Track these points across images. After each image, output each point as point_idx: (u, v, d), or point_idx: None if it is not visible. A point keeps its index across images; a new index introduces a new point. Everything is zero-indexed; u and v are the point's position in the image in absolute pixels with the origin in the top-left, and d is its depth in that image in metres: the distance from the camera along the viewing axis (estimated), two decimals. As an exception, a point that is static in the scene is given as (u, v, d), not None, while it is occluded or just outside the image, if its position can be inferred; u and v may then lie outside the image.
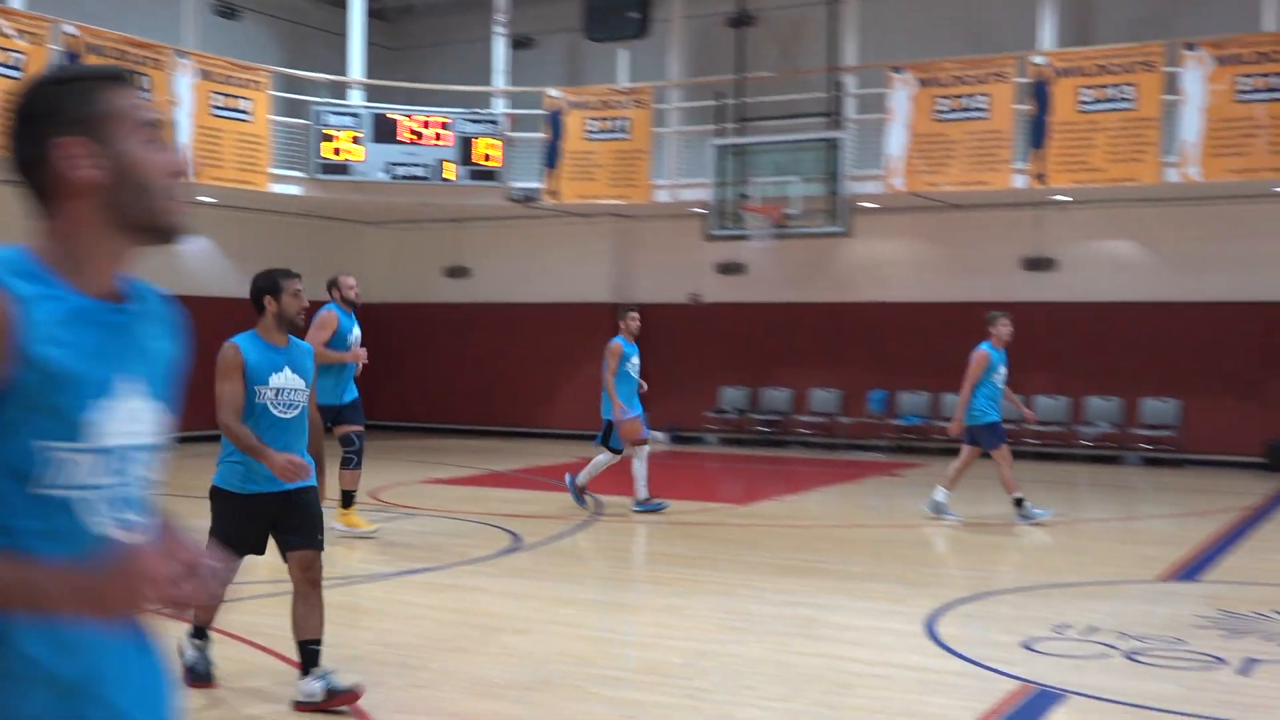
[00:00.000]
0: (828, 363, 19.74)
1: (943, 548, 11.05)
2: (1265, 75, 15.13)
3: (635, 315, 12.06)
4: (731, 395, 20.45)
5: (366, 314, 11.45)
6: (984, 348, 11.64)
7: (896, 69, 17.12)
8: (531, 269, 21.43)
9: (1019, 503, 11.74)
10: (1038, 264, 18.63)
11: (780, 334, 20.04)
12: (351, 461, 10.23)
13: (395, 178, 18.37)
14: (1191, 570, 9.62)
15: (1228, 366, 17.45)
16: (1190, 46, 15.53)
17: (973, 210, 18.66)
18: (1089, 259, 18.43)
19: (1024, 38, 17.56)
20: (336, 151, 18.13)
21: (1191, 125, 15.49)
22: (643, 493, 12.03)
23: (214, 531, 5.77)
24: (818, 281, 19.79)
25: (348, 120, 18.27)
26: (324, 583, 5.91)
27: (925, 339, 18.73)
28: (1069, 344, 18.36)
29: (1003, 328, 11.66)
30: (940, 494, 11.95)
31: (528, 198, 18.93)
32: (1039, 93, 16.28)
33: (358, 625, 7.56)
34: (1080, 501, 14.87)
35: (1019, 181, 16.46)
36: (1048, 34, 17.25)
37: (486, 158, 18.73)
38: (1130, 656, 6.87)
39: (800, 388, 19.93)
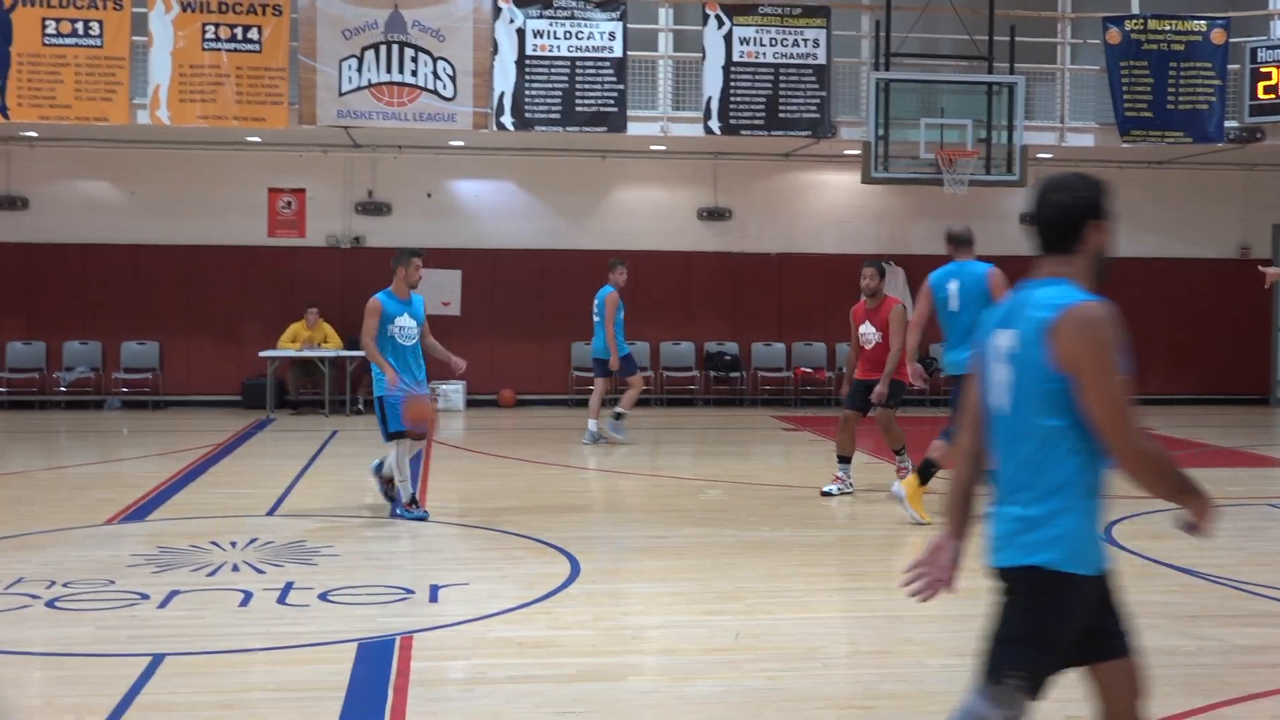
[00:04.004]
0: None
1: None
2: (230, 25, 15.59)
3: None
4: None
5: None
6: (611, 290, 13.61)
7: None
8: None
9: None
10: (7, 203, 17.58)
11: None
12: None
13: None
14: (141, 510, 9.64)
15: (205, 309, 17.91)
16: (157, -12, 15.51)
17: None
18: (64, 198, 17.79)
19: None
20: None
21: (161, 68, 15.52)
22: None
23: None
24: None
25: None
26: None
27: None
28: (45, 286, 17.63)
29: (620, 275, 13.73)
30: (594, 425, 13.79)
31: None
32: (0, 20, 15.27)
33: None
34: (59, 450, 14.38)
35: (-20, 113, 15.35)
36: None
37: None
38: (51, 604, 6.67)
39: None
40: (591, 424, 13.92)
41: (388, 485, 9.31)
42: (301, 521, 9.20)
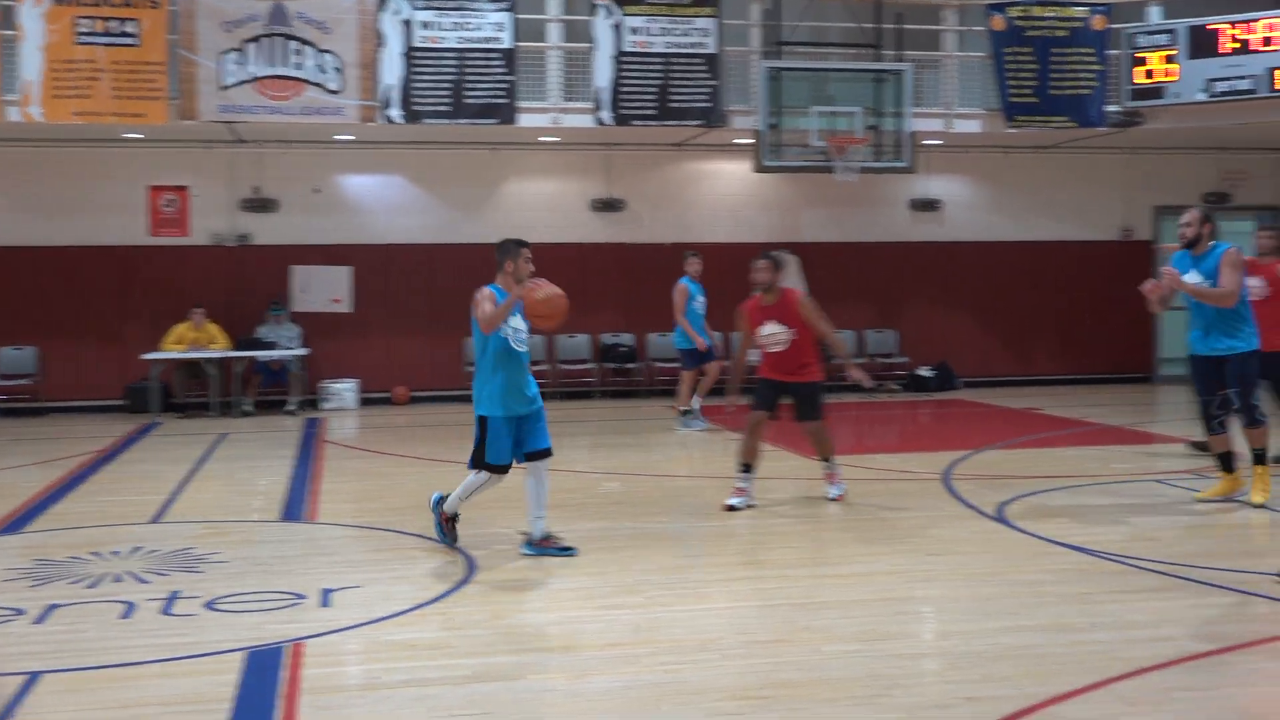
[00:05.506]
0: None
1: None
2: (105, 19, 15.13)
3: None
4: None
5: None
6: (684, 281, 14.20)
7: None
8: None
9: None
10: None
11: None
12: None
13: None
14: (17, 522, 9.29)
15: (86, 311, 17.39)
16: (28, -18, 15.00)
17: None
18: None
19: None
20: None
21: (32, 64, 15.01)
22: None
23: None
24: None
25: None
26: None
27: None
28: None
29: (691, 265, 14.44)
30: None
31: None
32: None
33: None
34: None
35: None
36: None
37: None
38: (-80, 623, 6.38)
39: None
40: (687, 408, 14.53)
41: (448, 525, 8.08)
42: (187, 528, 8.94)
